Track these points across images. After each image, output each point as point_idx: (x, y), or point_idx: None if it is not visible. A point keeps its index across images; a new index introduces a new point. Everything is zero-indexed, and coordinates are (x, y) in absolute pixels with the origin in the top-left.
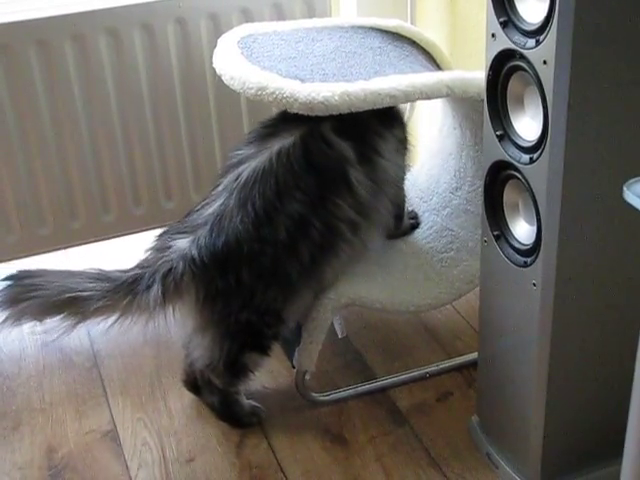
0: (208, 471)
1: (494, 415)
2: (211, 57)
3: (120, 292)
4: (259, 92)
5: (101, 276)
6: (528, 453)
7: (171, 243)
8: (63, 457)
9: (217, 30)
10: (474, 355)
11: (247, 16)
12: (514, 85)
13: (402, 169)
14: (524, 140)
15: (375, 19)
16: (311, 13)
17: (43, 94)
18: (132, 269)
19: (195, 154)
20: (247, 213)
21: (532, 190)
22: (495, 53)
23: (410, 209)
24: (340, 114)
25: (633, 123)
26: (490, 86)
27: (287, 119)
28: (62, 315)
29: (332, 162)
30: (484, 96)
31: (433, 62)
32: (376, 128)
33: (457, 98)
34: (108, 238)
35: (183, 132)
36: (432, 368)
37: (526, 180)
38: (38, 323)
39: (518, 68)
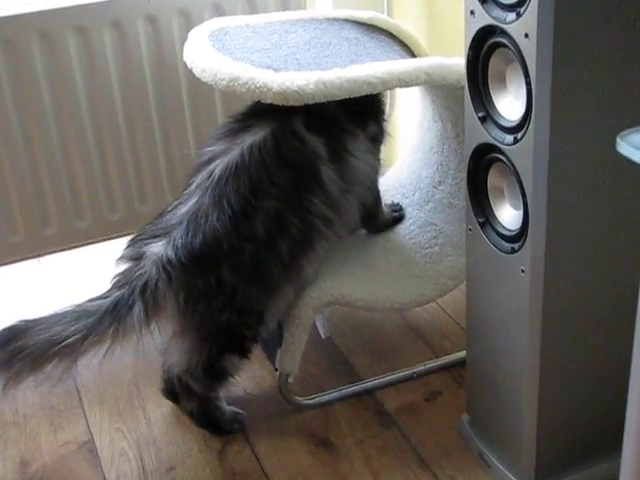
0: None
1: (485, 413)
2: (183, 54)
3: (104, 323)
4: (231, 83)
5: (81, 313)
6: (521, 451)
7: (144, 249)
8: (37, 470)
9: (188, 26)
10: (462, 354)
11: (219, 11)
12: (495, 64)
13: (374, 169)
14: (507, 120)
15: (350, 11)
16: (285, 6)
17: (8, 94)
18: (110, 291)
19: (170, 153)
20: (223, 210)
21: (517, 172)
22: (475, 30)
23: (396, 202)
24: (311, 109)
25: (620, 97)
26: (470, 67)
27: (258, 113)
28: (54, 363)
29: (304, 158)
30: (464, 83)
31: (410, 54)
32: (346, 126)
33: (437, 89)
34: (81, 245)
35: (157, 131)
36: (419, 368)
37: (511, 162)
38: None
39: (499, 45)
